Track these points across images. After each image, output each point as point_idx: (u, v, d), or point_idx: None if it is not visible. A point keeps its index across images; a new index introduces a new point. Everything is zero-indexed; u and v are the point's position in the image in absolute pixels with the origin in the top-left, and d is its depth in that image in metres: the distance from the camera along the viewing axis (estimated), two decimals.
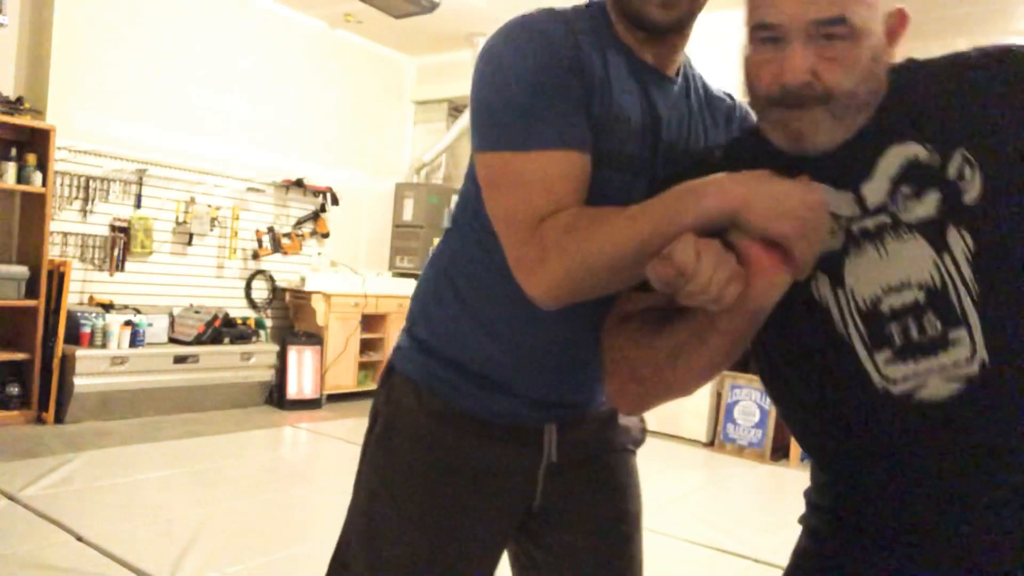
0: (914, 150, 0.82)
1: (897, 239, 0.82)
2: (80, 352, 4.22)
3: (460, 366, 1.07)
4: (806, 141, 0.82)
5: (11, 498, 2.94)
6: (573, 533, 1.14)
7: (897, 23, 0.83)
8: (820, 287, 0.86)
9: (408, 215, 6.21)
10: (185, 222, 5.04)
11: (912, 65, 0.87)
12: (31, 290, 4.20)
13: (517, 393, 1.07)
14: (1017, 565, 0.79)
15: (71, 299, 4.41)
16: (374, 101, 6.39)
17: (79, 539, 2.61)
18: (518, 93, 0.92)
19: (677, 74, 1.06)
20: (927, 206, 0.80)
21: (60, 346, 4.23)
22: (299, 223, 5.75)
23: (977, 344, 0.78)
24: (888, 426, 0.82)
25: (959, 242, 0.79)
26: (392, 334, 5.70)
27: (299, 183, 5.64)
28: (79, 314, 4.35)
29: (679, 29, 1.00)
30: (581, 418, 1.13)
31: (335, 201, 5.86)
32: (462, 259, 1.07)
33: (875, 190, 0.83)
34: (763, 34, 0.82)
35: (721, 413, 4.82)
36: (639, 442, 1.23)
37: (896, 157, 0.83)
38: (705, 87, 1.13)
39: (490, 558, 1.12)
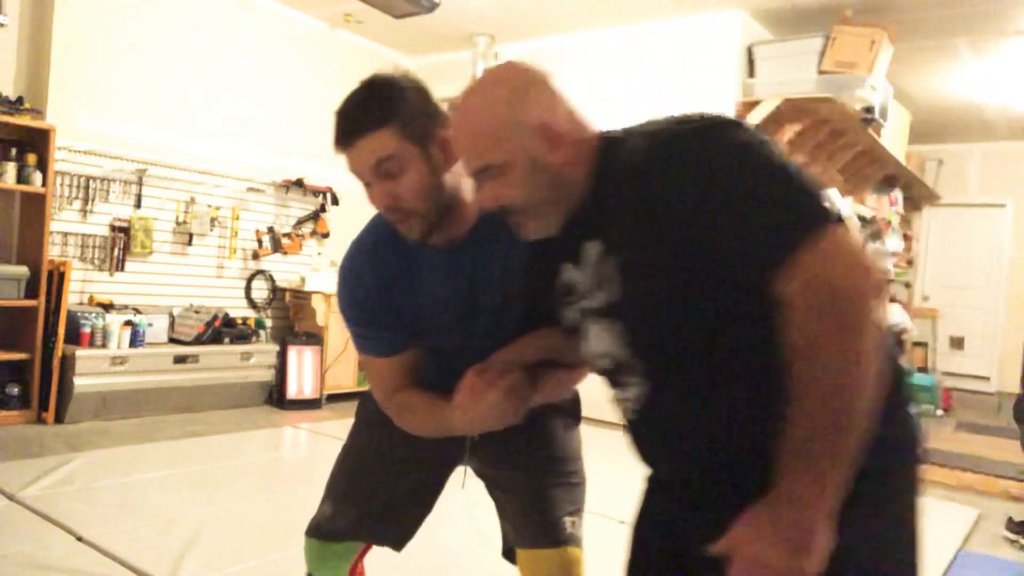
0: (598, 249, 1.05)
1: (593, 320, 1.09)
2: (80, 352, 4.22)
3: None
4: (525, 234, 1.12)
5: (11, 498, 2.94)
6: (501, 469, 1.54)
7: (544, 134, 1.04)
8: (582, 344, 1.15)
9: None
10: (185, 222, 5.04)
11: (611, 154, 1.05)
12: (31, 290, 4.20)
13: None
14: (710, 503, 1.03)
15: (71, 299, 4.41)
16: None
17: (79, 539, 2.61)
18: (350, 321, 1.41)
19: (473, 229, 1.36)
20: (600, 298, 1.06)
21: (60, 346, 4.23)
22: (299, 223, 5.75)
23: (643, 391, 1.07)
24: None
25: (616, 327, 1.05)
26: None
27: (299, 183, 5.64)
28: (79, 314, 4.35)
29: (433, 232, 1.30)
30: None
31: (335, 201, 5.86)
32: None
33: (583, 277, 1.09)
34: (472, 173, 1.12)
35: None
36: (570, 412, 1.57)
37: (590, 251, 1.07)
38: (488, 217, 1.34)
39: (423, 478, 1.57)
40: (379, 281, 1.36)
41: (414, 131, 1.23)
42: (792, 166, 0.93)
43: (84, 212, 4.60)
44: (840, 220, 0.89)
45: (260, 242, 5.46)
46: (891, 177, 6.92)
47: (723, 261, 0.92)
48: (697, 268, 0.95)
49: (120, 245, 4.71)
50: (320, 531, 1.58)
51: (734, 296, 0.94)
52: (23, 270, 4.18)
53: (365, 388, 1.57)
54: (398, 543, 1.60)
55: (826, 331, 0.84)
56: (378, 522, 1.57)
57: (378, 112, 1.23)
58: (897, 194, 7.01)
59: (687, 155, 0.95)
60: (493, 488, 1.60)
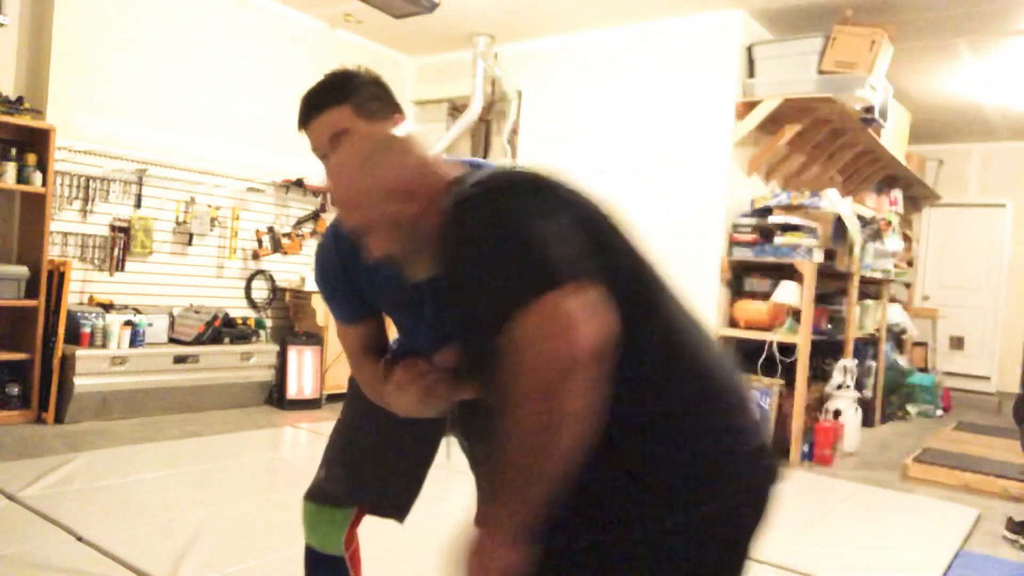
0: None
1: None
2: (80, 352, 4.22)
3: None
4: (411, 276, 1.25)
5: (11, 498, 2.94)
6: (478, 445, 1.60)
7: (394, 193, 1.15)
8: None
9: None
10: (185, 222, 5.04)
11: (450, 211, 1.12)
12: (31, 290, 4.20)
13: None
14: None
15: (71, 299, 4.41)
16: None
17: (79, 539, 2.61)
18: (321, 291, 1.57)
19: None
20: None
21: (60, 346, 4.24)
22: (299, 223, 5.75)
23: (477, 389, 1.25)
24: None
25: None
26: (391, 333, 5.68)
27: (299, 183, 5.64)
28: (79, 314, 4.35)
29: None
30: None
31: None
32: None
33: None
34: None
35: None
36: None
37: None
38: None
39: (411, 443, 1.67)
40: (341, 258, 1.51)
41: (367, 110, 1.38)
42: (542, 232, 0.96)
43: (84, 212, 4.60)
44: (577, 281, 0.92)
45: (260, 242, 5.46)
46: (891, 177, 6.92)
47: (476, 321, 1.04)
48: (471, 322, 1.07)
49: (120, 245, 4.71)
50: (314, 494, 1.65)
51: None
52: (23, 270, 4.18)
53: None
54: (396, 511, 1.68)
55: (523, 394, 0.90)
56: (369, 484, 1.65)
57: (334, 93, 1.40)
58: (897, 194, 7.01)
59: (461, 221, 1.05)
60: (473, 463, 1.67)
